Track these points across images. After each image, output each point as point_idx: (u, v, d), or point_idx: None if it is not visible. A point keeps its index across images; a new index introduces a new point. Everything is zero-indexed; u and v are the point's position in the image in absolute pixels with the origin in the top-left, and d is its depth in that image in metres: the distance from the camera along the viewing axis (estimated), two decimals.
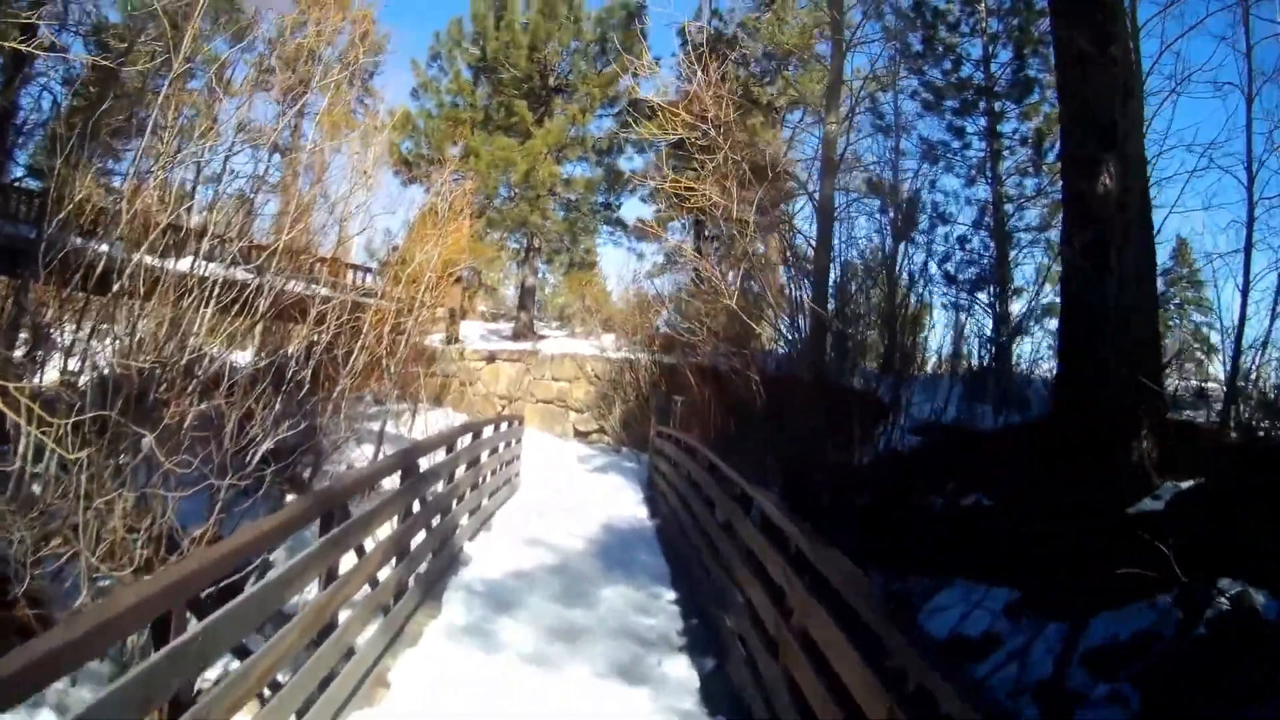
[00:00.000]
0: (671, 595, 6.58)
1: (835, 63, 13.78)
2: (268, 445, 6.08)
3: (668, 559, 7.79)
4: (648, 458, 13.90)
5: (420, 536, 5.78)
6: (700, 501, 7.18)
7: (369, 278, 17.26)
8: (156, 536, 4.99)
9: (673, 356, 16.06)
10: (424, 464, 5.96)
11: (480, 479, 8.26)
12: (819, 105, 16.25)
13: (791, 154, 16.80)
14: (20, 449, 5.21)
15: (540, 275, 23.54)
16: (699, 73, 11.74)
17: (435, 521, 6.22)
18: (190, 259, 6.35)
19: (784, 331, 11.48)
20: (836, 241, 12.48)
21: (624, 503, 11.31)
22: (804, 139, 19.19)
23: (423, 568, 5.79)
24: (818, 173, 13.16)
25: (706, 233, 14.84)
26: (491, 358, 19.49)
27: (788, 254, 11.34)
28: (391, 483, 5.51)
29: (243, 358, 9.41)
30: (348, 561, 4.29)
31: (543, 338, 21.43)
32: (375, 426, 11.58)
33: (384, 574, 4.88)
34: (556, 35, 20.37)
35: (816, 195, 12.49)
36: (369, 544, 4.69)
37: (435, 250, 11.02)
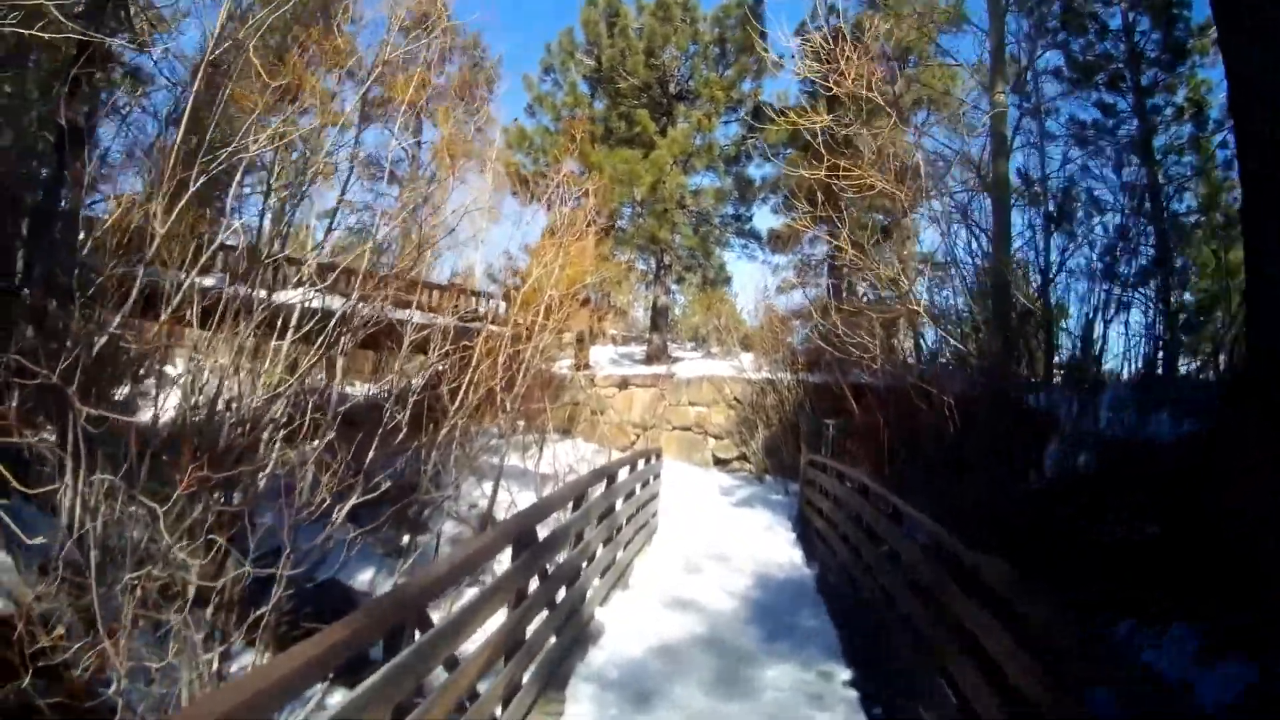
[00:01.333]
0: (846, 675, 5.33)
1: (995, 26, 11.90)
2: (352, 503, 5.04)
3: (835, 623, 6.45)
4: (796, 488, 12.61)
5: (540, 618, 4.54)
6: (876, 553, 6.09)
7: (486, 302, 16.50)
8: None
9: (821, 374, 14.42)
10: (546, 528, 4.75)
11: (615, 530, 6.99)
12: (963, 90, 14.54)
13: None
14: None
15: (670, 295, 22.36)
16: (841, 50, 10.25)
17: (560, 595, 4.97)
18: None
19: (961, 344, 9.66)
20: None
21: (775, 544, 10.02)
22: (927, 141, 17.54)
23: (542, 654, 4.55)
24: (988, 156, 11.30)
25: (854, 236, 13.20)
26: (624, 383, 18.49)
27: (972, 246, 9.51)
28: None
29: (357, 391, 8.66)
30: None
31: (677, 360, 20.19)
32: (497, 460, 10.61)
33: (486, 683, 3.65)
34: (673, 39, 19.27)
35: (990, 179, 10.62)
36: (465, 646, 3.48)
37: (556, 264, 9.87)
